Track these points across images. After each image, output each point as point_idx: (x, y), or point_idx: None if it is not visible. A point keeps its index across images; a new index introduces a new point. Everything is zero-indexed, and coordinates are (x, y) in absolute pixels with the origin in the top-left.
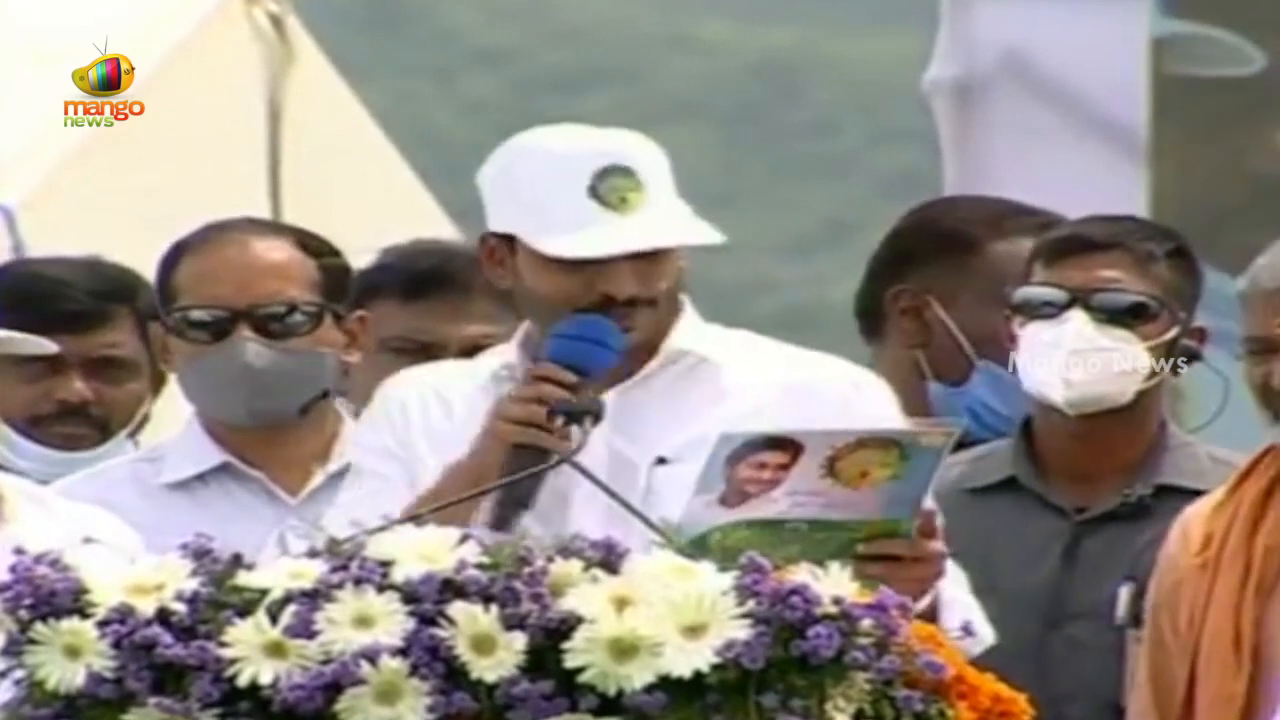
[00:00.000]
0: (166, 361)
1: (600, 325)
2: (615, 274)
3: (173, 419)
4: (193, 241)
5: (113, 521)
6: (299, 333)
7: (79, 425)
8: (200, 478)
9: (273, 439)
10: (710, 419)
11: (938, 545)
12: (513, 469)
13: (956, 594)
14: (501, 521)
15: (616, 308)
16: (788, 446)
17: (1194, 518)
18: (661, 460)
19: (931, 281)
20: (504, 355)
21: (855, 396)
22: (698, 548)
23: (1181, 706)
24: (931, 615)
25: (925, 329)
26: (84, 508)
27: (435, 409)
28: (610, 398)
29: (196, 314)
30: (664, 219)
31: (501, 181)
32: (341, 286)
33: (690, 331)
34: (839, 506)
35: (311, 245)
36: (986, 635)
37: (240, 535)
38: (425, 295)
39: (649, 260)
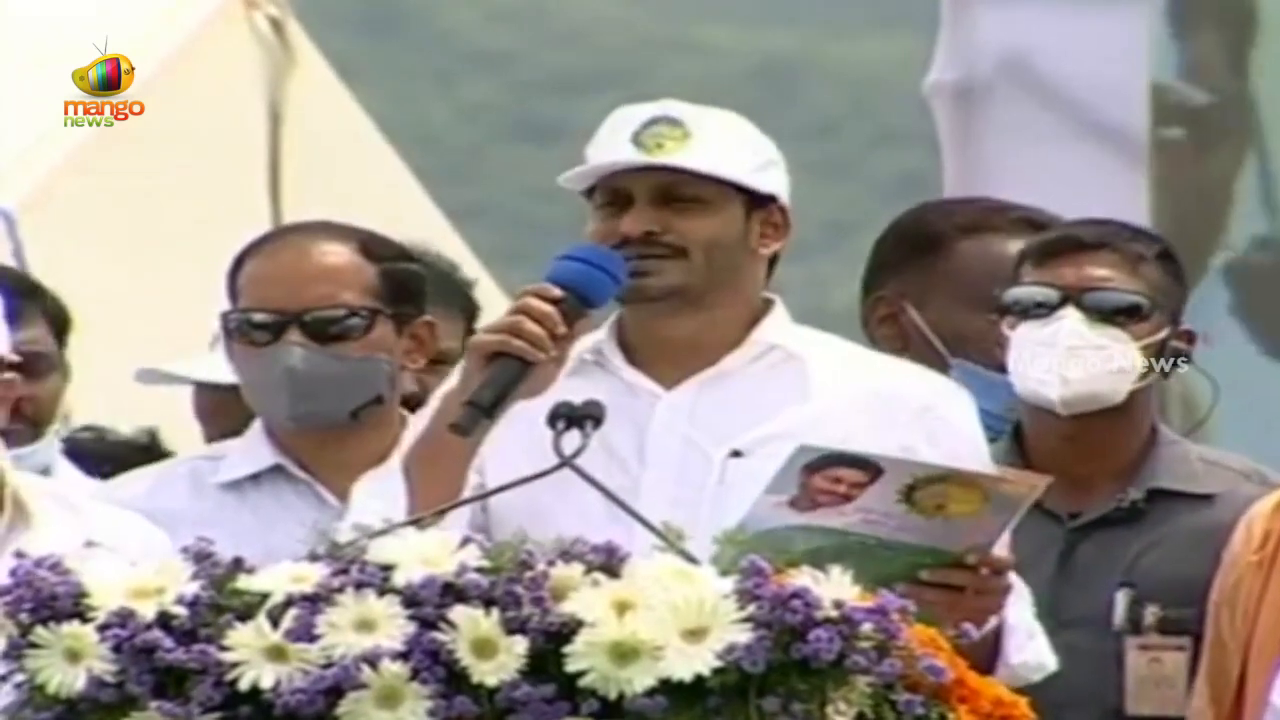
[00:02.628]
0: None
1: (602, 252)
2: (633, 214)
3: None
4: (259, 243)
5: (140, 525)
6: (350, 338)
7: (14, 422)
8: (254, 478)
9: (325, 442)
10: (789, 418)
11: (1001, 580)
12: (492, 377)
13: (1021, 617)
14: (467, 423)
15: (634, 245)
16: (868, 468)
17: (1257, 516)
18: (736, 453)
19: (905, 286)
20: (592, 338)
21: (937, 405)
22: (767, 545)
23: (1232, 703)
24: (995, 641)
25: (903, 334)
26: (113, 511)
27: None
28: (690, 387)
29: (253, 316)
30: (685, 160)
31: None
32: (408, 292)
33: (779, 327)
34: (909, 531)
35: (378, 250)
36: (1049, 662)
37: (284, 538)
38: None
39: (674, 208)
